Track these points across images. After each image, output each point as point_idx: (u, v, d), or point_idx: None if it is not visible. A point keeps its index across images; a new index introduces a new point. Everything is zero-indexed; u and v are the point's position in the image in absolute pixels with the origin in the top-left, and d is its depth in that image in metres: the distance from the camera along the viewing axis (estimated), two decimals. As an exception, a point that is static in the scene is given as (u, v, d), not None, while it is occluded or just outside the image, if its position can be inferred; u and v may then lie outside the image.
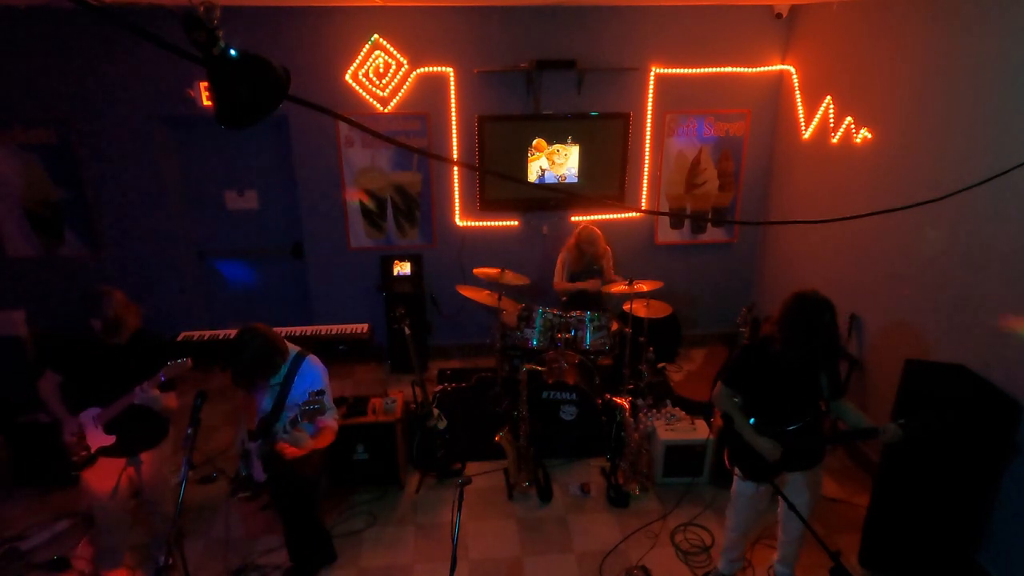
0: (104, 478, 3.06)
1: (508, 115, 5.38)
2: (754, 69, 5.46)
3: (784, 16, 5.28)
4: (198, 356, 4.77)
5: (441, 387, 5.37)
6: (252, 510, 3.88)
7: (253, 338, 2.90)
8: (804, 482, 3.07)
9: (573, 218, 5.68)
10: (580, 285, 5.19)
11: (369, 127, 1.68)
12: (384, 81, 5.24)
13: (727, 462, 3.19)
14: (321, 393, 2.87)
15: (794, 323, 2.75)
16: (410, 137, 5.41)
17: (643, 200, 5.78)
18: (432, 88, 5.30)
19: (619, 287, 4.75)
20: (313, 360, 3.11)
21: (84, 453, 2.96)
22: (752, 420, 2.97)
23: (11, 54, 4.92)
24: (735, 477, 3.19)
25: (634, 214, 5.82)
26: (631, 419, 4.25)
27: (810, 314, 2.71)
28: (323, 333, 4.74)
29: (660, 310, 4.77)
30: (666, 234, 5.96)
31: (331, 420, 3.11)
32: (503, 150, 5.43)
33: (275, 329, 4.59)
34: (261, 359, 2.91)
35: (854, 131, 4.50)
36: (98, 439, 2.96)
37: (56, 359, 3.04)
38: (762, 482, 3.03)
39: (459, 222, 5.69)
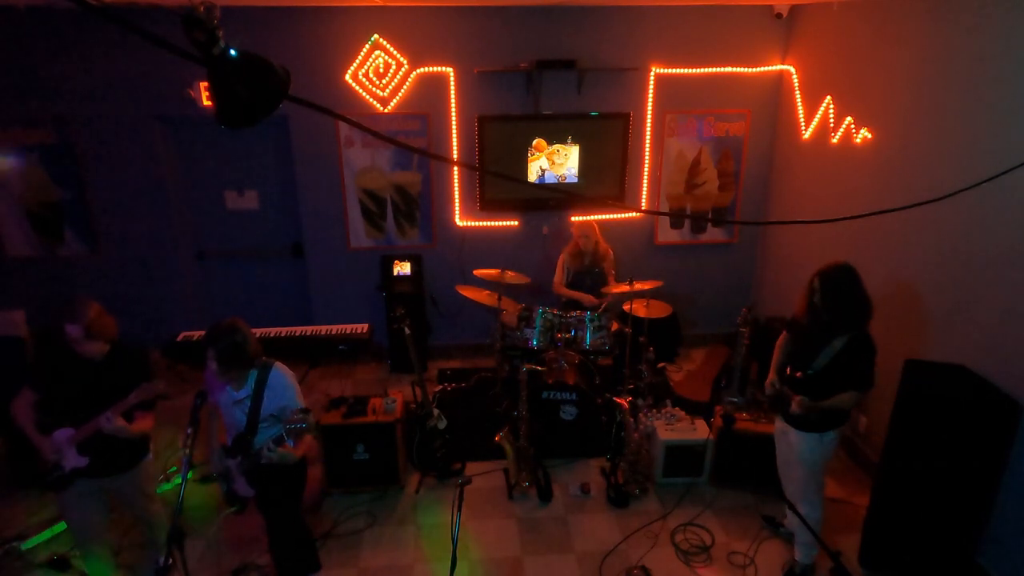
0: (80, 498, 3.01)
1: (508, 115, 5.37)
2: (754, 69, 5.46)
3: (784, 16, 5.28)
4: (197, 357, 4.80)
5: (441, 387, 5.37)
6: (250, 510, 3.87)
7: (239, 328, 2.85)
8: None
9: (573, 218, 5.68)
10: (576, 296, 5.18)
11: (369, 127, 1.67)
12: (384, 81, 5.24)
13: (822, 427, 3.21)
14: (306, 412, 2.79)
15: None
16: (410, 137, 5.40)
17: (643, 200, 5.78)
18: (432, 88, 5.30)
19: (619, 287, 4.75)
20: (280, 368, 3.02)
21: (58, 474, 2.91)
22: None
23: (11, 54, 4.92)
24: (819, 440, 3.21)
25: (634, 214, 5.82)
26: (631, 419, 4.25)
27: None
28: (323, 333, 4.73)
29: (660, 310, 4.77)
30: (666, 234, 5.96)
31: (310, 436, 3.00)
32: (503, 150, 5.43)
33: (275, 329, 4.62)
34: (241, 350, 2.83)
35: (854, 131, 4.49)
36: (72, 460, 2.90)
37: (36, 375, 2.97)
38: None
39: (459, 222, 5.69)
